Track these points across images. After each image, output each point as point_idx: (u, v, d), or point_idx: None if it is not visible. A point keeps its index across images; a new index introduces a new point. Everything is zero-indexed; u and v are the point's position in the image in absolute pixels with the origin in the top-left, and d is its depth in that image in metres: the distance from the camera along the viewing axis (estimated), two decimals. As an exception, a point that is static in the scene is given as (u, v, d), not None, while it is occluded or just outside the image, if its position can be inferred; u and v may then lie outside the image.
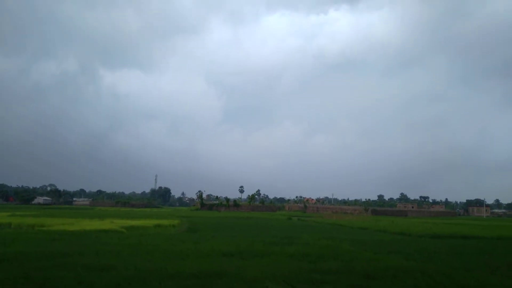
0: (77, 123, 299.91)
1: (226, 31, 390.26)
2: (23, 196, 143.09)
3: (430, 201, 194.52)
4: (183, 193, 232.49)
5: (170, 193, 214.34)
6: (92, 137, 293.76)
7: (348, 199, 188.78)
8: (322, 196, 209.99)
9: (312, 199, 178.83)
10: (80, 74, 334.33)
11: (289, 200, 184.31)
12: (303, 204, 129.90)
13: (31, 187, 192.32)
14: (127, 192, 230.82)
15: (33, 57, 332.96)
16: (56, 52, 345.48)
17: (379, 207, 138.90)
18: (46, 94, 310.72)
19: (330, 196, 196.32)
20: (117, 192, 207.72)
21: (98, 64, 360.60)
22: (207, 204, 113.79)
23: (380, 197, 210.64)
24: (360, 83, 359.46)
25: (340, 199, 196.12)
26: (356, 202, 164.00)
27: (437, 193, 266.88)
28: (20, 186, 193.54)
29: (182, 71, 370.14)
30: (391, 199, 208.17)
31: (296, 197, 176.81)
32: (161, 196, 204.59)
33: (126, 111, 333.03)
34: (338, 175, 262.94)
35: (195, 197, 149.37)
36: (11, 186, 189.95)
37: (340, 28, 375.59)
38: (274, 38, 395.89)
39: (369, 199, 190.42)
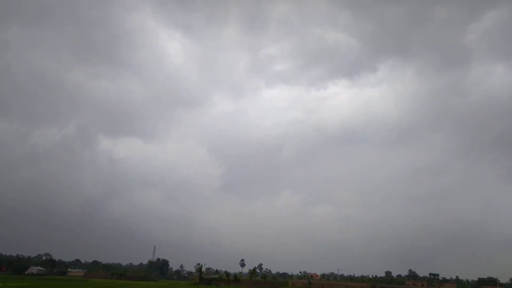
0: (74, 191, 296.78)
1: (227, 104, 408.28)
2: (16, 266, 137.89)
3: (440, 278, 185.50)
4: (181, 266, 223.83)
5: (168, 265, 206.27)
6: (89, 205, 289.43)
7: (354, 275, 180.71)
8: (327, 271, 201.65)
9: (317, 275, 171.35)
10: (81, 141, 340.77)
11: (292, 275, 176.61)
12: (307, 280, 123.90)
13: (26, 256, 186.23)
14: (124, 263, 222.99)
15: (35, 122, 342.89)
16: (58, 119, 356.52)
17: (387, 285, 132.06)
18: (43, 160, 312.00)
19: (335, 272, 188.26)
20: (113, 263, 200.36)
21: (99, 132, 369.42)
22: (206, 279, 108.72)
23: (388, 273, 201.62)
24: (360, 155, 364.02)
25: (346, 275, 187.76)
26: (363, 278, 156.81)
27: (447, 270, 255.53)
28: (15, 255, 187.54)
29: (183, 141, 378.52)
30: (399, 275, 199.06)
31: (300, 272, 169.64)
32: (159, 268, 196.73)
33: (125, 179, 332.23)
34: (343, 249, 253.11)
35: (193, 270, 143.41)
36: (5, 254, 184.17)
37: (340, 102, 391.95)
38: (275, 111, 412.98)
39: (376, 276, 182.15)
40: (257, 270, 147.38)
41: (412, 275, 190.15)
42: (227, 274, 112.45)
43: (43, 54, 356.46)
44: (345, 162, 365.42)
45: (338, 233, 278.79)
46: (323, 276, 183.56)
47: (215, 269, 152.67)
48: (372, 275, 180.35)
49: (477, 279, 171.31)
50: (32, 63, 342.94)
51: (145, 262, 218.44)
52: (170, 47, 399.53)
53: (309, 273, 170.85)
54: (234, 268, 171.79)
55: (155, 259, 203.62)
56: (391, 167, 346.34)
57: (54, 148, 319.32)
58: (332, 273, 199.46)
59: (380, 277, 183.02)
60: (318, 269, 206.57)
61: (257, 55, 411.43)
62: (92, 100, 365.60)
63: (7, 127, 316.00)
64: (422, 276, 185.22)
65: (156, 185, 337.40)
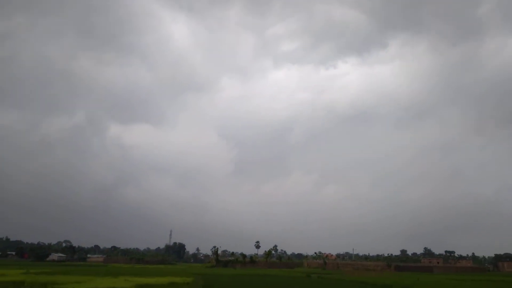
0: (87, 178, 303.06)
1: (235, 87, 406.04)
2: (37, 253, 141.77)
3: (456, 255, 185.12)
4: (197, 249, 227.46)
5: (185, 248, 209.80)
6: (103, 191, 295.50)
7: (369, 255, 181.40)
8: (342, 251, 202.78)
9: (332, 255, 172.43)
10: (91, 128, 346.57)
11: (307, 256, 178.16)
12: (322, 260, 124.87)
13: (47, 243, 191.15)
14: (141, 248, 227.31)
15: (45, 111, 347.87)
16: (67, 107, 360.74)
17: (403, 263, 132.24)
18: (56, 148, 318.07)
19: (350, 251, 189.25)
20: (131, 248, 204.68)
21: (109, 119, 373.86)
22: (222, 261, 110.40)
23: (403, 252, 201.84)
24: (372, 135, 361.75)
25: (361, 254, 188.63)
26: (378, 257, 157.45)
27: (463, 247, 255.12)
28: (36, 242, 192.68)
29: (193, 126, 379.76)
30: (414, 254, 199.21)
31: (315, 252, 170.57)
32: (176, 252, 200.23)
33: (137, 165, 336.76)
34: (357, 228, 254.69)
35: (210, 253, 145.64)
36: (26, 242, 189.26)
37: (350, 81, 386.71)
38: (284, 92, 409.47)
39: (391, 254, 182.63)
40: (272, 252, 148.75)
41: (428, 253, 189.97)
42: (243, 256, 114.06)
43: (49, 42, 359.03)
44: (356, 142, 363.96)
45: (352, 213, 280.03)
46: (338, 256, 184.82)
47: (231, 252, 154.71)
48: (388, 254, 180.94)
49: (493, 255, 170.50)
50: (38, 52, 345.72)
51: (162, 246, 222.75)
52: (175, 31, 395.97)
53: (324, 253, 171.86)
54: (249, 250, 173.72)
55: (171, 243, 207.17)
56: (404, 146, 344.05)
57: (66, 136, 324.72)
58: (347, 253, 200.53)
59: (396, 256, 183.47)
60: (333, 249, 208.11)
61: (263, 36, 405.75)
62: (100, 87, 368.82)
63: (19, 117, 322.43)
64: (437, 253, 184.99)
65: (168, 171, 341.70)
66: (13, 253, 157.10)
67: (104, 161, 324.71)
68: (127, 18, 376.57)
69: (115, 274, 46.21)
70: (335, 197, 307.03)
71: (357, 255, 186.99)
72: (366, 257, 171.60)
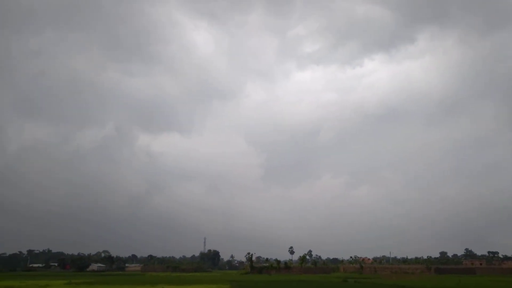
0: (121, 188, 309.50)
1: (260, 92, 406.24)
2: (78, 264, 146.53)
3: (501, 256, 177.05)
4: (232, 256, 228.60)
5: (219, 256, 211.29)
6: (136, 201, 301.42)
7: (407, 257, 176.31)
8: (378, 255, 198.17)
9: (368, 259, 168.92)
10: (120, 138, 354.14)
11: (343, 260, 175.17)
12: (358, 264, 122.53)
13: (86, 254, 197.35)
14: (177, 256, 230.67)
15: (76, 123, 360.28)
16: (98, 118, 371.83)
17: (443, 265, 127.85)
18: (88, 159, 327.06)
19: (387, 255, 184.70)
20: (167, 256, 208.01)
21: (137, 129, 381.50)
22: (257, 267, 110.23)
23: (443, 253, 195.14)
24: (402, 133, 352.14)
25: (399, 257, 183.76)
26: (417, 260, 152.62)
27: (507, 247, 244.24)
28: (76, 253, 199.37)
29: (220, 132, 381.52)
30: (455, 255, 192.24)
31: (351, 257, 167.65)
32: (211, 259, 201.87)
33: (166, 174, 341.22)
34: (392, 231, 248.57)
35: (244, 259, 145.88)
36: (67, 253, 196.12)
37: (378, 79, 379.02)
38: (309, 94, 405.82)
39: (430, 257, 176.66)
40: (307, 257, 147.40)
41: (469, 254, 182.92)
42: (278, 262, 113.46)
43: (78, 56, 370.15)
44: (387, 141, 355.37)
45: (386, 215, 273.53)
46: (375, 259, 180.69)
47: (265, 258, 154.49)
48: (427, 256, 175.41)
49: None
50: (68, 66, 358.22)
51: (197, 254, 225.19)
52: (198, 38, 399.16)
53: (360, 257, 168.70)
54: (283, 256, 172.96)
55: (206, 251, 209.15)
56: (438, 143, 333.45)
57: (97, 147, 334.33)
58: (384, 256, 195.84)
59: (435, 258, 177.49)
60: (369, 253, 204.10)
61: (285, 38, 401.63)
62: (128, 97, 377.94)
63: (52, 130, 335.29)
64: (480, 254, 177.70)
65: (197, 178, 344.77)
66: (56, 264, 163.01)
67: (135, 170, 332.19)
68: (150, 28, 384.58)
69: (153, 283, 47.09)
70: (367, 199, 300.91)
71: (394, 258, 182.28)
72: (404, 260, 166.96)
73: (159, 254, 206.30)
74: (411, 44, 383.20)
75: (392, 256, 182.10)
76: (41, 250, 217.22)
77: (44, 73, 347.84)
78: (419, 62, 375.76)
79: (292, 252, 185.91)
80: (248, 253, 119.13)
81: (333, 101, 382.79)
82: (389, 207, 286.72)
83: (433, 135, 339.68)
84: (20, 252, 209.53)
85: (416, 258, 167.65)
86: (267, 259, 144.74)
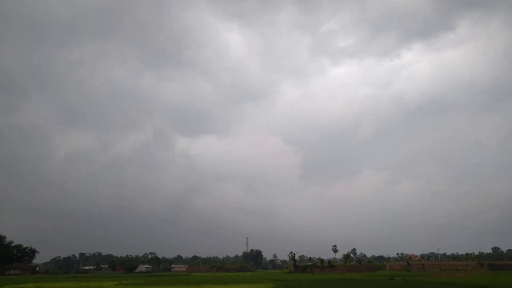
0: (162, 190, 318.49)
1: (295, 90, 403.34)
2: (127, 265, 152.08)
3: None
4: (274, 255, 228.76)
5: (262, 255, 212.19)
6: (177, 203, 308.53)
7: (457, 254, 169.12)
8: (426, 251, 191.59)
9: (416, 256, 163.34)
10: (159, 143, 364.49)
11: (389, 258, 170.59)
12: (405, 261, 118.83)
13: (134, 256, 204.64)
14: (220, 256, 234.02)
15: (117, 130, 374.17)
16: (137, 124, 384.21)
17: (497, 261, 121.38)
18: (129, 163, 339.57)
19: (435, 251, 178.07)
20: (211, 256, 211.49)
21: (175, 133, 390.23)
22: (301, 266, 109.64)
23: (495, 249, 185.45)
24: (447, 125, 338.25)
25: (448, 253, 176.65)
26: (467, 256, 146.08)
27: None
28: (125, 255, 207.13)
29: (256, 133, 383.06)
30: (509, 250, 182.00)
31: (397, 254, 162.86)
32: (253, 258, 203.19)
33: (205, 175, 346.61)
34: (438, 226, 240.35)
35: (287, 258, 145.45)
36: (116, 256, 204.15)
37: (418, 69, 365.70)
38: (346, 89, 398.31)
39: (482, 253, 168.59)
40: (351, 255, 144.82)
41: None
42: (321, 260, 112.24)
43: (115, 64, 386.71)
44: (429, 134, 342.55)
45: (431, 211, 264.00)
46: (422, 256, 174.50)
47: (308, 257, 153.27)
48: (479, 252, 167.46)
49: None
50: (107, 75, 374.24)
51: (239, 253, 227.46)
52: (230, 40, 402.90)
53: (407, 254, 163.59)
54: (326, 255, 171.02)
55: (248, 250, 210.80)
56: (482, 134, 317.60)
57: (137, 152, 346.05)
58: (432, 253, 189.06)
59: (487, 254, 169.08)
60: (416, 249, 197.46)
61: (317, 34, 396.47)
62: (165, 102, 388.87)
63: (95, 137, 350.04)
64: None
65: (234, 179, 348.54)
66: (106, 266, 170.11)
67: (174, 173, 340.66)
68: (183, 33, 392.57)
69: (198, 282, 47.94)
70: (411, 195, 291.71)
71: (443, 254, 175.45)
72: (454, 257, 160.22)
73: (203, 254, 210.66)
74: (451, 31, 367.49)
75: (441, 252, 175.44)
76: (92, 253, 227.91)
77: (85, 82, 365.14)
78: (462, 50, 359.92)
79: (335, 251, 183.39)
80: (291, 252, 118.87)
81: (371, 95, 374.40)
82: (434, 203, 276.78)
83: (481, 126, 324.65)
84: (73, 255, 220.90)
85: (467, 254, 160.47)
86: (310, 258, 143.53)
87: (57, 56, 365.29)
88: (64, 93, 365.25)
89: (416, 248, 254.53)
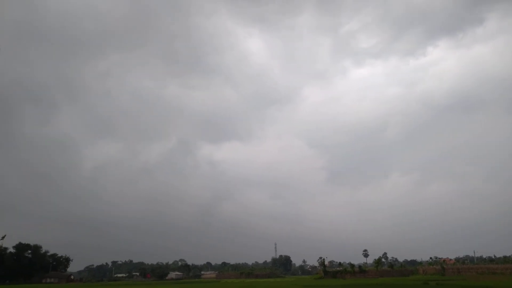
0: (188, 198, 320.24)
1: (318, 93, 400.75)
2: (158, 273, 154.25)
3: None
4: (304, 261, 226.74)
5: (291, 261, 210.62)
6: (204, 210, 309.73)
7: (495, 257, 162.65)
8: (461, 254, 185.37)
9: (450, 259, 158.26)
10: (185, 150, 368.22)
11: (421, 262, 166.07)
12: (439, 265, 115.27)
13: (165, 263, 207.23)
14: (249, 262, 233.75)
15: (144, 139, 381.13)
16: (163, 133, 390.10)
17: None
18: (156, 172, 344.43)
19: (471, 254, 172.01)
20: (240, 263, 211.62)
21: (200, 140, 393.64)
22: (331, 272, 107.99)
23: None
24: (478, 123, 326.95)
25: (485, 256, 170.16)
26: (505, 259, 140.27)
27: None
28: (155, 263, 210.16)
29: (281, 138, 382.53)
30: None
31: (430, 258, 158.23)
32: (283, 264, 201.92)
33: (231, 182, 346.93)
34: (474, 228, 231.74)
35: (316, 264, 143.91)
36: (147, 263, 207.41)
37: (445, 67, 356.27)
38: (371, 90, 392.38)
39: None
40: (383, 259, 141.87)
41: None
42: (352, 265, 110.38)
43: (141, 74, 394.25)
44: (459, 132, 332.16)
45: (464, 212, 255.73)
46: (457, 260, 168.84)
47: (338, 262, 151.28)
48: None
49: None
50: (133, 85, 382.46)
51: (268, 259, 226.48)
52: (251, 45, 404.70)
53: (441, 258, 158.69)
54: (357, 259, 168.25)
55: (277, 256, 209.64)
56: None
57: (164, 160, 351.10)
58: (467, 256, 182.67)
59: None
60: (450, 253, 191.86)
61: (338, 35, 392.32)
62: (190, 110, 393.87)
63: (122, 147, 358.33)
64: None
65: (259, 185, 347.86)
66: (137, 274, 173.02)
67: (200, 180, 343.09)
68: (205, 40, 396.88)
69: (228, 289, 48.07)
70: (442, 196, 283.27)
71: (479, 257, 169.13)
72: (491, 260, 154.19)
73: (232, 261, 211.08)
74: (479, 26, 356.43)
75: (477, 255, 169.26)
76: (123, 261, 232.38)
77: (112, 93, 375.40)
78: (491, 45, 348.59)
79: (366, 255, 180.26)
80: (320, 258, 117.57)
81: (397, 95, 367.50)
82: (467, 204, 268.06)
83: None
84: (106, 263, 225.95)
85: (505, 257, 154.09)
86: (340, 263, 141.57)
87: (86, 69, 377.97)
88: (94, 104, 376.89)
89: (451, 251, 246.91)
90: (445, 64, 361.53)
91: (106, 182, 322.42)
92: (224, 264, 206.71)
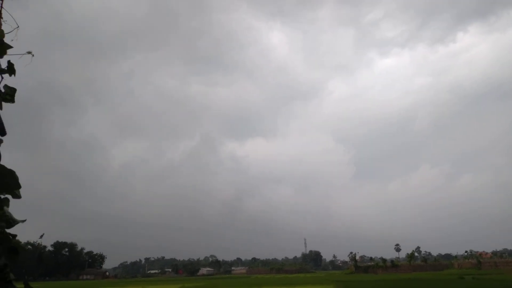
0: (214, 194, 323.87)
1: (343, 86, 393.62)
2: (189, 269, 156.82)
3: None
4: (334, 256, 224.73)
5: (321, 256, 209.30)
6: (230, 206, 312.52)
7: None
8: (498, 248, 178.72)
9: (487, 253, 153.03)
10: (209, 148, 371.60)
11: (456, 256, 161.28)
12: (475, 259, 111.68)
13: (196, 259, 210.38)
14: (279, 257, 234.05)
15: (168, 137, 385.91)
16: (187, 131, 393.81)
17: None
18: (181, 170, 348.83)
19: (509, 247, 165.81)
20: (270, 258, 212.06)
21: (224, 137, 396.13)
22: (362, 267, 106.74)
23: None
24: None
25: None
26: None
27: None
28: (187, 259, 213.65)
29: (305, 133, 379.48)
30: None
31: (466, 251, 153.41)
32: (313, 260, 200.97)
33: (256, 178, 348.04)
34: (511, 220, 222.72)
35: (347, 259, 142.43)
36: (179, 259, 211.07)
37: (477, 53, 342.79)
38: (397, 80, 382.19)
39: None
40: (415, 254, 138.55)
41: None
42: (384, 260, 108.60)
43: (164, 74, 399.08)
44: (493, 122, 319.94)
45: (500, 203, 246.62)
46: (494, 253, 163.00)
47: (369, 257, 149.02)
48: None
49: None
50: (157, 84, 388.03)
51: (298, 255, 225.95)
52: (274, 40, 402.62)
53: (477, 251, 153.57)
54: (389, 254, 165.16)
55: (307, 251, 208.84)
56: None
57: (188, 158, 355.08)
58: (505, 249, 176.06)
59: None
60: (486, 246, 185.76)
61: (361, 25, 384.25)
62: (213, 107, 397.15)
63: (147, 146, 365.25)
64: None
65: (286, 180, 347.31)
66: (170, 270, 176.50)
67: (226, 176, 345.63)
68: (227, 36, 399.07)
69: (259, 284, 48.30)
70: (477, 188, 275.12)
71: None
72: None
73: (262, 256, 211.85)
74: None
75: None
76: (156, 258, 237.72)
77: (136, 93, 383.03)
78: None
79: (398, 250, 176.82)
80: (351, 253, 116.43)
81: (426, 85, 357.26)
82: (504, 195, 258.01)
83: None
84: (139, 260, 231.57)
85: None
86: (371, 258, 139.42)
87: (110, 70, 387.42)
88: (118, 104, 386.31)
89: (487, 244, 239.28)
90: (476, 50, 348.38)
91: (134, 181, 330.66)
92: (254, 259, 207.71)
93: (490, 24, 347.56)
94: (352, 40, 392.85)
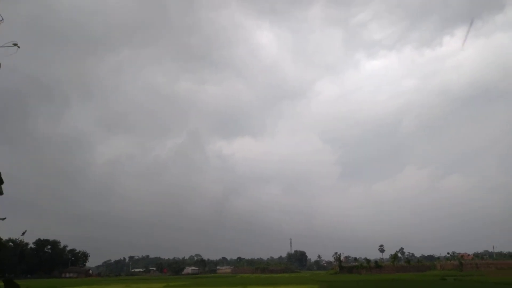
0: (201, 193, 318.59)
1: (331, 87, 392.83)
2: (174, 267, 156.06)
3: None
4: (319, 256, 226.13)
5: (306, 256, 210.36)
6: (217, 205, 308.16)
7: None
8: (480, 250, 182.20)
9: (468, 255, 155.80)
10: (196, 147, 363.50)
11: (439, 257, 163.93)
12: (457, 261, 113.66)
13: (181, 258, 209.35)
14: (264, 257, 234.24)
15: (155, 134, 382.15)
16: (174, 128, 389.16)
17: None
18: (168, 168, 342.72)
19: (490, 249, 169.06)
20: (255, 258, 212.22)
21: (212, 135, 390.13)
22: (346, 267, 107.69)
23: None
24: (499, 114, 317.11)
25: (505, 251, 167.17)
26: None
27: None
28: (172, 258, 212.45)
29: (294, 133, 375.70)
30: None
31: (448, 253, 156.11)
32: (298, 260, 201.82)
33: (243, 177, 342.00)
34: (494, 223, 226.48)
35: (332, 259, 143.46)
36: (163, 258, 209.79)
37: (464, 57, 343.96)
38: (385, 83, 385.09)
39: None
40: (399, 255, 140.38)
41: None
42: (368, 261, 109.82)
43: (152, 70, 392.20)
44: (480, 125, 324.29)
45: (483, 205, 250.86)
46: (476, 255, 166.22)
47: (353, 257, 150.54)
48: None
49: None
50: (144, 81, 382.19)
51: (283, 255, 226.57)
52: (263, 39, 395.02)
53: (459, 253, 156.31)
54: (373, 255, 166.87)
55: (293, 251, 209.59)
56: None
57: (175, 156, 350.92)
58: (486, 251, 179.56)
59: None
60: (468, 248, 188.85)
61: (349, 27, 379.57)
62: (201, 105, 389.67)
63: (135, 142, 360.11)
64: None
65: (273, 180, 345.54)
66: (154, 268, 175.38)
67: (213, 175, 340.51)
68: (216, 34, 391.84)
69: (244, 284, 48.31)
70: (460, 190, 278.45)
71: (499, 253, 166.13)
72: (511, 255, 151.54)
73: (247, 256, 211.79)
74: (499, 13, 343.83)
75: (496, 250, 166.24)
76: (140, 256, 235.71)
77: (124, 88, 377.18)
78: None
79: (382, 250, 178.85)
80: (336, 253, 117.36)
81: (413, 87, 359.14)
82: (487, 198, 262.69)
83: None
84: (123, 258, 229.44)
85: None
86: (356, 259, 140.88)
87: (98, 65, 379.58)
88: (106, 100, 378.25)
89: (469, 246, 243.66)
90: (463, 54, 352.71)
91: (120, 177, 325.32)
92: (239, 259, 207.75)
93: (476, 29, 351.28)
94: (340, 41, 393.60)
